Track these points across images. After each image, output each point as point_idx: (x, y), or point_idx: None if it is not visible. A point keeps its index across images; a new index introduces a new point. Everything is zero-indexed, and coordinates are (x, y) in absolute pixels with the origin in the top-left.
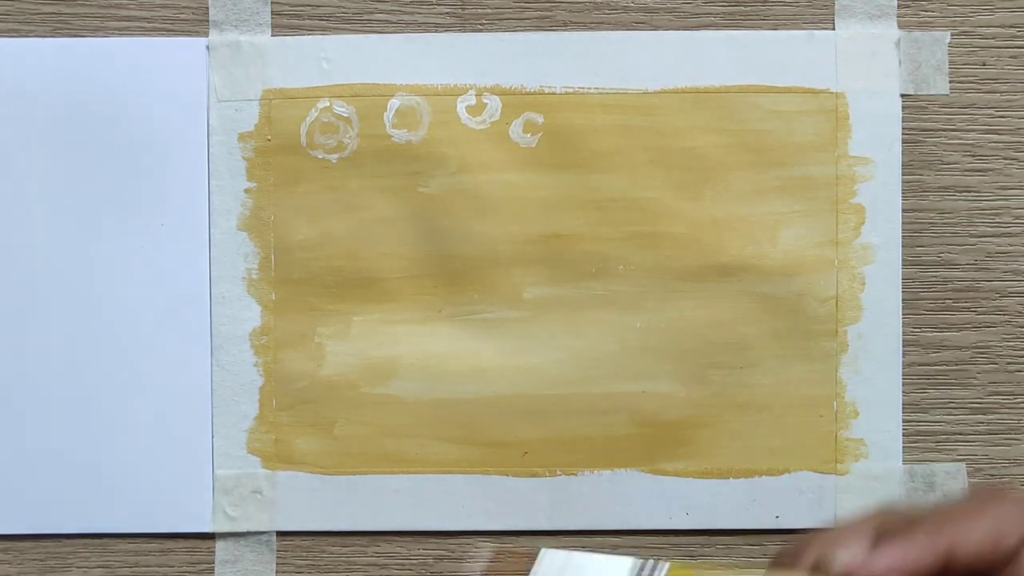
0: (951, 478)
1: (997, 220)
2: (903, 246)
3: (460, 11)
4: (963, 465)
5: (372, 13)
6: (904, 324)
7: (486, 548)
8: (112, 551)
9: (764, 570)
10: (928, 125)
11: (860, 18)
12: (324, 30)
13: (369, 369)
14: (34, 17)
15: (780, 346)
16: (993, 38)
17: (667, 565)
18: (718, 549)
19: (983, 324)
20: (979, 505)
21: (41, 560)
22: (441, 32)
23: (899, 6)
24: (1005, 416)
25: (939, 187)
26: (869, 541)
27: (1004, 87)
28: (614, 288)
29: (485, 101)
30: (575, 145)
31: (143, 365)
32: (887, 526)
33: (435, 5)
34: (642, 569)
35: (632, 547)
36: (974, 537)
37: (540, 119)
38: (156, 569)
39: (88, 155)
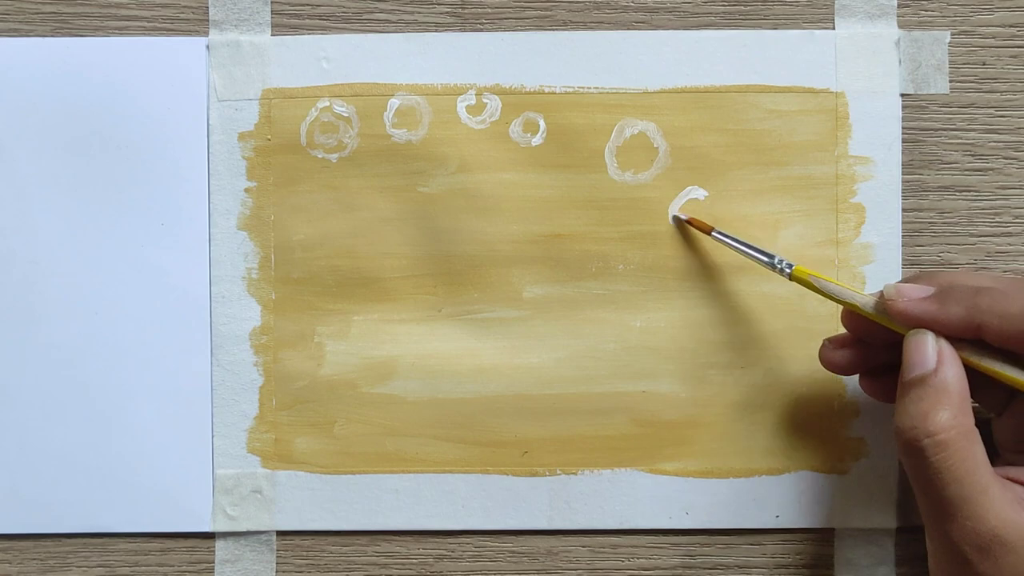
0: None
1: (997, 220)
2: (903, 246)
3: (460, 11)
4: None
5: (372, 13)
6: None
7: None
8: (112, 551)
9: (873, 296)
10: (928, 125)
11: (860, 18)
12: (324, 30)
13: (369, 369)
14: (34, 17)
15: (780, 346)
16: (993, 38)
17: (795, 265)
18: (718, 549)
19: None
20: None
21: (41, 560)
22: (441, 32)
23: (899, 6)
24: None
25: (939, 187)
26: (925, 293)
27: (1004, 87)
28: (614, 288)
29: (485, 101)
30: (575, 145)
31: (143, 365)
32: (944, 291)
33: (435, 5)
34: (780, 263)
35: (632, 547)
36: (1006, 328)
37: (540, 119)
38: (156, 569)
39: (88, 155)
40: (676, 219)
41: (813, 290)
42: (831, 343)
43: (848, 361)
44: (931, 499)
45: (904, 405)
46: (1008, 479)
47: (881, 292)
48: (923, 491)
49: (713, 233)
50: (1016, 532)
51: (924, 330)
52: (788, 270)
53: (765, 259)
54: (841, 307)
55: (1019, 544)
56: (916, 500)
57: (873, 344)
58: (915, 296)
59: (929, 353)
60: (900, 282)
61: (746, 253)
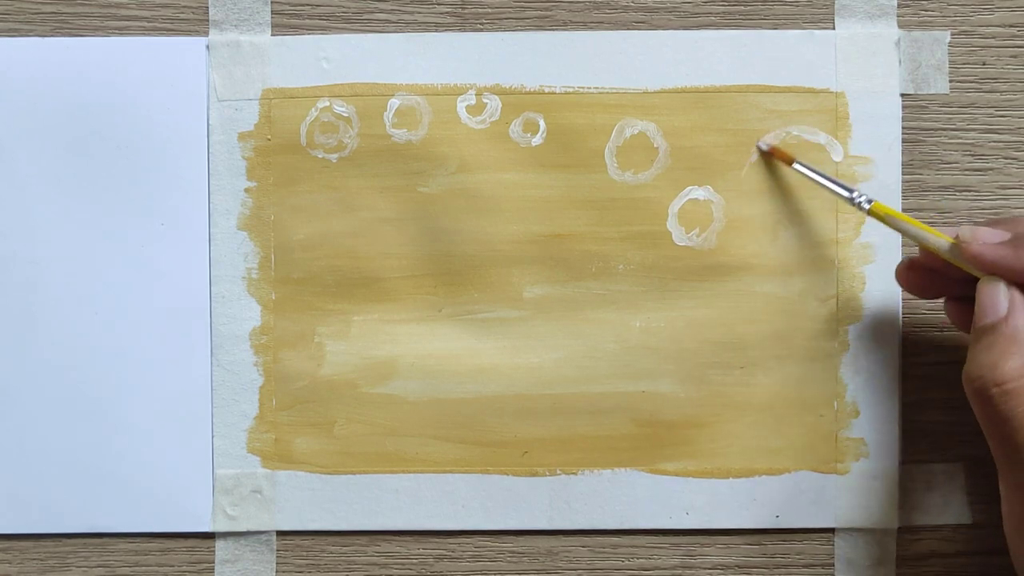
0: (950, 478)
1: None
2: (903, 246)
3: (460, 11)
4: (963, 465)
5: (372, 13)
6: (904, 324)
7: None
8: (112, 551)
9: (949, 240)
10: (928, 125)
11: (860, 18)
12: (324, 30)
13: (369, 369)
14: (34, 17)
15: (780, 346)
16: (993, 38)
17: (873, 200)
18: (718, 549)
19: None
20: None
21: (41, 560)
22: (441, 32)
23: (899, 6)
24: None
25: (939, 187)
26: (999, 237)
27: (1004, 87)
28: (614, 288)
29: (485, 101)
30: (575, 145)
31: (143, 365)
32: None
33: (435, 5)
34: (858, 198)
35: (632, 547)
36: None
37: (540, 119)
38: (156, 569)
39: (88, 155)
40: (758, 148)
41: (890, 227)
42: (909, 263)
43: (926, 284)
44: (1002, 445)
45: (974, 352)
46: None
47: (957, 233)
48: (993, 437)
49: (795, 165)
50: None
51: (996, 277)
52: (867, 206)
53: (845, 193)
54: (898, 265)
55: None
56: (987, 443)
57: (952, 276)
58: (990, 240)
59: (1000, 300)
60: (977, 224)
61: (825, 186)
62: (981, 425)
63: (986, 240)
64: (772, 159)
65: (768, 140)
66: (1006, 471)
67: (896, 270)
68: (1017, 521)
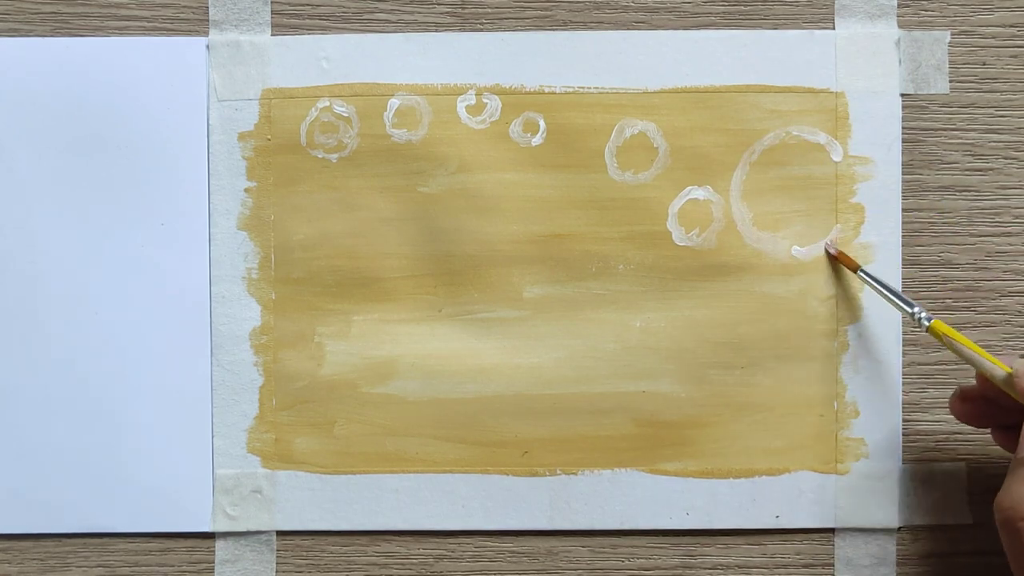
0: (951, 477)
1: (997, 220)
2: (903, 246)
3: (460, 11)
4: (963, 465)
5: (372, 13)
6: (904, 324)
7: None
8: (112, 551)
9: (1006, 370)
10: (928, 125)
11: (860, 18)
12: (324, 30)
13: (369, 369)
14: (34, 17)
15: (780, 346)
16: (993, 38)
17: (933, 319)
18: (718, 549)
19: (983, 324)
20: None
21: (41, 560)
22: (441, 32)
23: (899, 6)
24: None
25: (939, 187)
26: None
27: (1004, 87)
28: (614, 288)
29: (485, 101)
30: (575, 145)
31: (143, 365)
32: None
33: (435, 5)
34: (918, 314)
35: (632, 547)
36: None
37: (540, 119)
38: (156, 569)
39: (88, 154)
40: (827, 251)
41: (947, 347)
42: (962, 394)
43: (978, 413)
44: None
45: (1010, 482)
46: None
47: (1013, 366)
48: (1019, 568)
49: (859, 272)
50: None
51: None
52: (927, 323)
53: (906, 308)
54: (951, 397)
55: None
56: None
57: (1004, 404)
58: None
59: None
60: None
61: (887, 297)
62: (1008, 555)
63: None
64: (837, 263)
65: (831, 247)
66: None
67: (950, 401)
68: None
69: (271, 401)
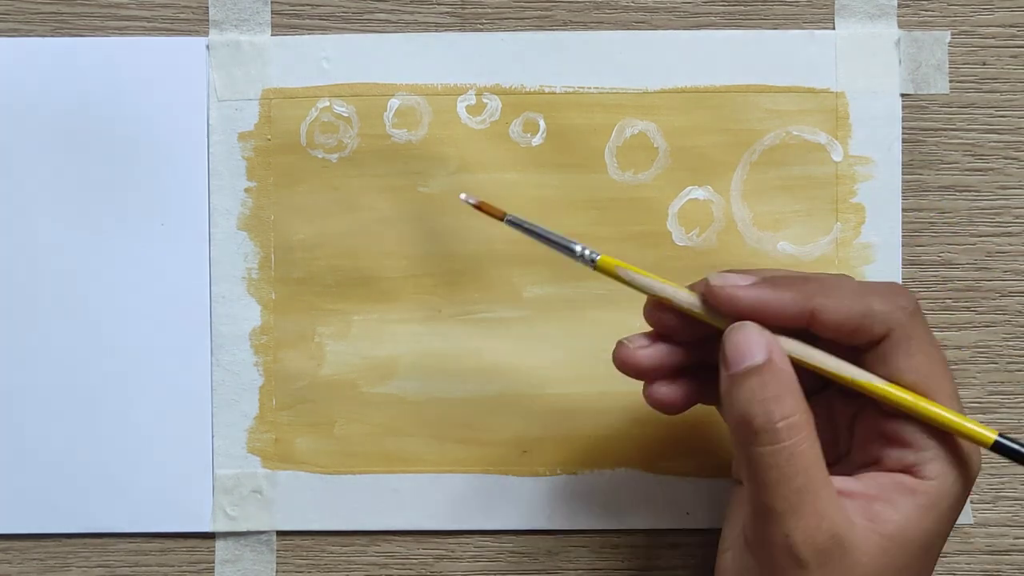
0: None
1: (997, 220)
2: (903, 246)
3: (460, 11)
4: None
5: (372, 13)
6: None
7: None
8: (112, 551)
9: (687, 289)
10: (928, 125)
11: (860, 18)
12: (324, 30)
13: (369, 369)
14: (34, 17)
15: None
16: (993, 38)
17: (600, 255)
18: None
19: (983, 324)
20: (863, 289)
21: (41, 560)
22: (441, 32)
23: (899, 6)
24: (1005, 416)
25: (939, 187)
26: (751, 280)
27: (1004, 87)
28: (614, 288)
29: (485, 101)
30: (575, 145)
31: (143, 365)
32: (773, 277)
33: (435, 5)
34: (582, 252)
35: (632, 547)
36: (841, 309)
37: (540, 119)
38: (156, 569)
39: (88, 155)
40: (467, 202)
41: (621, 282)
42: (632, 342)
43: (655, 361)
44: (776, 493)
45: (742, 394)
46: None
47: (704, 280)
48: (768, 484)
49: (505, 219)
50: (853, 533)
51: (744, 324)
52: (594, 259)
53: (566, 248)
54: (645, 302)
55: (857, 545)
56: (750, 505)
57: (680, 343)
58: (743, 283)
59: (760, 342)
60: (719, 272)
61: (545, 241)
62: (752, 474)
63: (738, 283)
64: (482, 213)
65: (470, 197)
66: (772, 528)
67: (616, 355)
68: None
69: (271, 401)
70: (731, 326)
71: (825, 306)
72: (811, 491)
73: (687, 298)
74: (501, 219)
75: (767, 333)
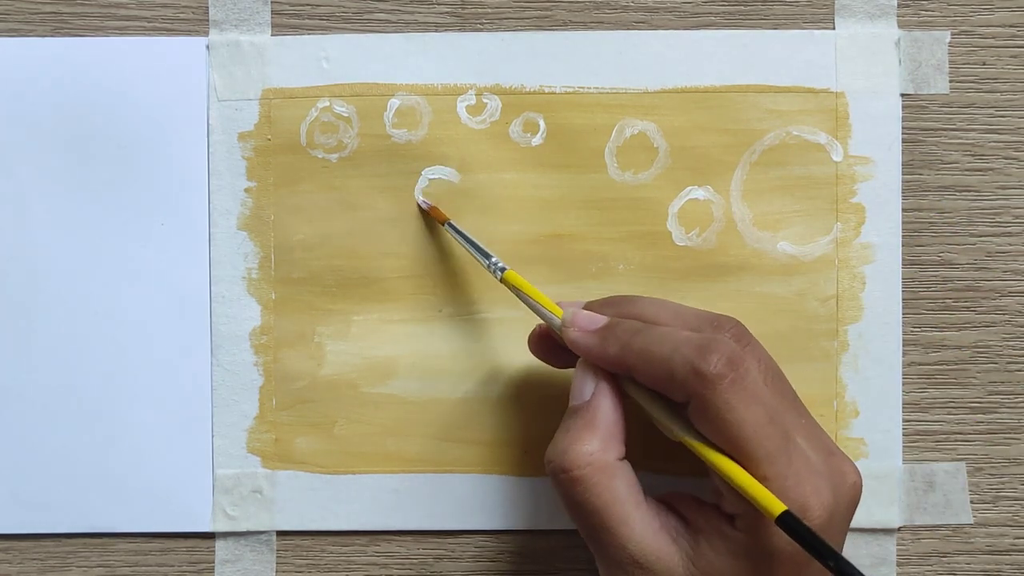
0: (951, 477)
1: (997, 220)
2: (903, 246)
3: (460, 11)
4: (963, 465)
5: (372, 13)
6: (904, 324)
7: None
8: (112, 551)
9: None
10: (928, 125)
11: (860, 18)
12: (324, 30)
13: (369, 369)
14: (34, 17)
15: (780, 346)
16: (993, 38)
17: (507, 269)
18: None
19: (983, 324)
20: (677, 344)
21: (41, 560)
22: (441, 32)
23: (899, 6)
24: (1005, 416)
25: (939, 187)
26: (597, 325)
27: (1004, 87)
28: (614, 288)
29: (485, 101)
30: (575, 145)
31: (143, 365)
32: (611, 324)
33: (435, 5)
34: (494, 264)
35: None
36: (649, 373)
37: (540, 119)
38: (156, 569)
39: (88, 155)
40: (419, 206)
41: (519, 297)
42: (538, 332)
43: (547, 351)
44: (580, 525)
45: (556, 435)
46: (663, 503)
47: (564, 315)
48: (573, 518)
49: (446, 225)
50: (652, 555)
51: (586, 362)
52: (500, 273)
53: (483, 259)
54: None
55: (655, 566)
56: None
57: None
58: (585, 328)
59: (587, 384)
60: (586, 305)
61: (469, 249)
62: (563, 506)
63: (581, 327)
64: (429, 217)
65: (424, 200)
66: (592, 548)
67: (529, 340)
68: None
69: (271, 401)
70: (578, 362)
71: (636, 366)
72: (605, 528)
73: (558, 324)
74: (443, 224)
75: (600, 374)
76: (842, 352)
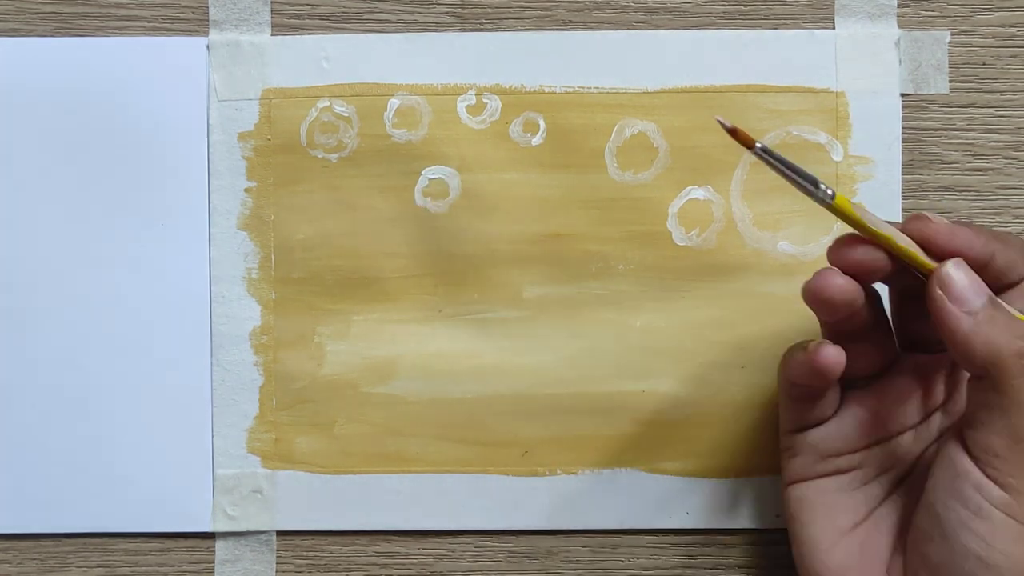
0: None
1: (997, 220)
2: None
3: (460, 11)
4: None
5: (372, 13)
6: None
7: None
8: (112, 551)
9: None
10: (928, 125)
11: (860, 18)
12: (324, 30)
13: (369, 369)
14: (34, 17)
15: (780, 346)
16: (993, 38)
17: (836, 194)
18: (718, 549)
19: None
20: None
21: (41, 560)
22: (441, 32)
23: (899, 5)
24: None
25: (939, 187)
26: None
27: (1004, 87)
28: (614, 288)
29: (485, 101)
30: (575, 145)
31: (143, 365)
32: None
33: (435, 5)
34: (823, 192)
35: (632, 547)
36: (1011, 255)
37: (540, 119)
38: (156, 569)
39: (88, 155)
40: (722, 124)
41: (849, 222)
42: (831, 272)
43: (847, 296)
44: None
45: (984, 327)
46: None
47: (921, 216)
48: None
49: (756, 147)
50: None
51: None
52: (830, 198)
53: (810, 186)
54: (833, 242)
55: None
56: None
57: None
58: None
59: (978, 280)
60: (961, 250)
61: (787, 175)
62: (997, 404)
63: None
64: (736, 138)
65: (726, 120)
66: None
67: (816, 285)
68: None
69: (271, 401)
70: (950, 262)
71: (1000, 251)
72: None
73: (902, 239)
74: (751, 148)
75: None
76: None
